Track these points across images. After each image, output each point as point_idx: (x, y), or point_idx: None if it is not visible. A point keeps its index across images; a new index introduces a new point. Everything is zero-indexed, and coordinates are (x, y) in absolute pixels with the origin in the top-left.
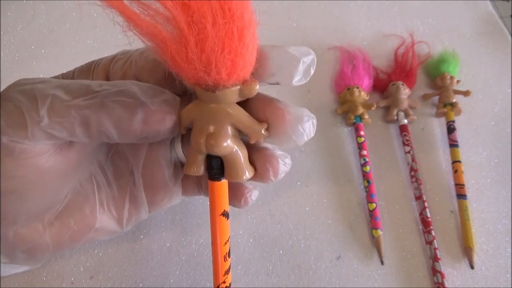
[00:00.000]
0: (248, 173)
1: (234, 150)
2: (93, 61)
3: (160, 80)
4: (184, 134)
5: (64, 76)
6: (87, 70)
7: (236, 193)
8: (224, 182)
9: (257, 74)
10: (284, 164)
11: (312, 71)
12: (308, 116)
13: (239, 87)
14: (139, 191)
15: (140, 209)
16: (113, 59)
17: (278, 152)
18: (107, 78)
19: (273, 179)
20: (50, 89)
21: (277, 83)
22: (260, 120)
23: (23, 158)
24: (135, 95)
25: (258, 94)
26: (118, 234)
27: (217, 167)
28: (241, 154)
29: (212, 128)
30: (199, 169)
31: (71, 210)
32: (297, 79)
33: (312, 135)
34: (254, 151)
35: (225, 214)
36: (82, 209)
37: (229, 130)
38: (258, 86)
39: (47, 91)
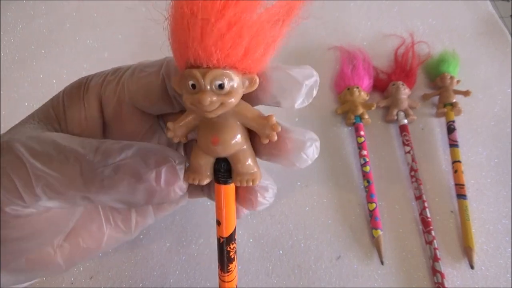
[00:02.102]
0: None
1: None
2: (81, 82)
3: (155, 102)
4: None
5: (53, 103)
6: (77, 95)
7: (247, 194)
8: (232, 185)
9: (257, 96)
10: (263, 198)
11: (315, 93)
12: (310, 141)
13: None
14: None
15: (146, 218)
16: (103, 81)
17: (261, 184)
18: (100, 104)
19: (251, 209)
20: (43, 163)
21: (278, 106)
22: (260, 150)
23: (30, 216)
24: (136, 170)
25: None
26: (128, 241)
27: (225, 169)
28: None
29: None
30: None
31: (78, 230)
32: (299, 102)
33: (316, 156)
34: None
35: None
36: (89, 228)
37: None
38: (258, 79)
39: (40, 167)
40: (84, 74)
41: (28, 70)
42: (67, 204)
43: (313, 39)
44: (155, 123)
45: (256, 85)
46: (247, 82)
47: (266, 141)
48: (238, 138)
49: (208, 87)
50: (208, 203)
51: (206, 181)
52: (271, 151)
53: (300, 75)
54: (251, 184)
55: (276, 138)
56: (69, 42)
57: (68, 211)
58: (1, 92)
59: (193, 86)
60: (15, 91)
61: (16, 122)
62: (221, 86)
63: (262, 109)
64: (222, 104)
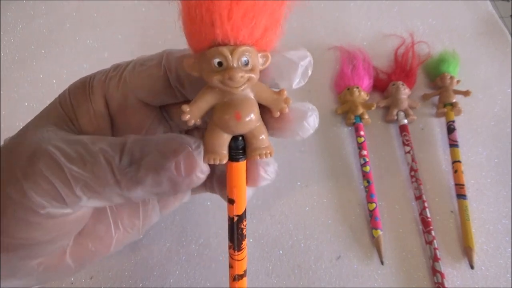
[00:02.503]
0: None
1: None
2: (84, 81)
3: (158, 93)
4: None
5: (61, 103)
6: (83, 94)
7: (251, 170)
8: (243, 162)
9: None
10: (265, 173)
11: (310, 73)
12: (311, 111)
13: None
14: (153, 203)
15: (152, 216)
16: (106, 78)
17: (263, 160)
18: (106, 101)
19: (254, 185)
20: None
21: (277, 87)
22: (267, 124)
23: (61, 217)
24: (157, 165)
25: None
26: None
27: (242, 146)
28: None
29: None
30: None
31: (87, 233)
32: (296, 82)
33: (317, 126)
34: None
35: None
36: (98, 232)
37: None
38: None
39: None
40: (84, 74)
41: (28, 70)
42: (106, 202)
43: (313, 39)
44: (158, 114)
45: (269, 62)
46: (262, 60)
47: (277, 115)
48: (257, 113)
49: (235, 64)
50: (208, 203)
51: (225, 160)
52: (274, 125)
53: (295, 56)
54: (269, 157)
55: (287, 110)
56: (69, 42)
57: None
58: (1, 92)
59: (219, 64)
60: (15, 91)
61: (16, 122)
62: (246, 63)
63: None
64: (248, 79)
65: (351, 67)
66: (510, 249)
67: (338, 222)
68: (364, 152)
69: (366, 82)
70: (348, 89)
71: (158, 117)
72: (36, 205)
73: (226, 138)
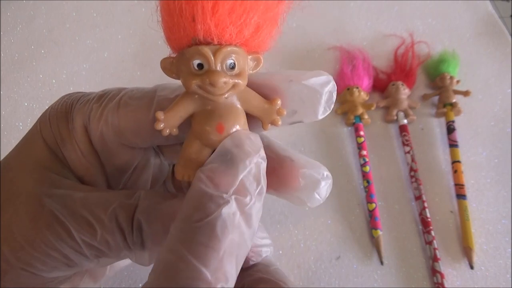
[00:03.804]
0: None
1: None
2: (67, 109)
3: (146, 139)
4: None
5: (44, 135)
6: (65, 128)
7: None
8: None
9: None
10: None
11: (334, 97)
12: (325, 179)
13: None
14: None
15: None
16: (87, 108)
17: (256, 243)
18: (87, 135)
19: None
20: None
21: (300, 121)
22: (269, 185)
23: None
24: (161, 239)
25: (268, 147)
26: None
27: None
28: None
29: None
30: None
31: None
32: (322, 112)
33: (328, 194)
34: None
35: None
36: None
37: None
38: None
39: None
40: (84, 74)
41: (28, 70)
42: (116, 260)
43: (313, 39)
44: (147, 151)
45: (261, 66)
46: (252, 63)
47: (268, 128)
48: (244, 124)
49: (219, 66)
50: None
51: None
52: (280, 186)
53: (317, 84)
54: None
55: (280, 123)
56: (69, 42)
57: None
58: (1, 92)
59: (199, 66)
60: (15, 91)
61: (16, 122)
62: (231, 66)
63: (275, 134)
64: (233, 86)
65: (351, 67)
66: (510, 249)
67: (338, 222)
68: (364, 152)
69: (366, 82)
70: (348, 89)
71: (147, 155)
72: (42, 271)
73: (206, 153)
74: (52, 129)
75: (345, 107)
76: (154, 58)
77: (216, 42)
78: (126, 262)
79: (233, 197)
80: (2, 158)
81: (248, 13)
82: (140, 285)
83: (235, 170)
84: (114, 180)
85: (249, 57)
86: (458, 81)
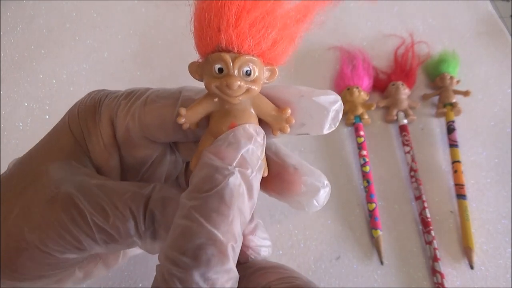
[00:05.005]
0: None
1: None
2: (95, 102)
3: (169, 135)
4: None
5: (71, 125)
6: (93, 120)
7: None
8: None
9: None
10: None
11: (340, 116)
12: (324, 187)
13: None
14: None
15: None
16: (115, 104)
17: (257, 243)
18: (113, 128)
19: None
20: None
21: (307, 133)
22: (269, 186)
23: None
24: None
25: (276, 153)
26: None
27: None
28: None
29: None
30: None
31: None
32: (327, 128)
33: (325, 203)
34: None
35: None
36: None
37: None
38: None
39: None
40: (84, 74)
41: (28, 70)
42: (125, 248)
43: (313, 39)
44: (166, 147)
45: (276, 77)
46: (267, 73)
47: (277, 134)
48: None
49: (236, 72)
50: None
51: None
52: (283, 190)
53: (326, 102)
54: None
55: (288, 130)
56: (69, 42)
57: None
58: (1, 92)
59: (220, 70)
60: (15, 91)
61: (16, 122)
62: (247, 73)
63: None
64: (247, 90)
65: (351, 67)
66: (510, 249)
67: (338, 222)
68: (364, 152)
69: (366, 82)
70: (348, 89)
71: (164, 151)
72: (55, 251)
73: None
74: (80, 121)
75: (345, 107)
76: (154, 58)
77: (236, 51)
78: (138, 250)
79: (236, 169)
80: (1, 158)
81: (266, 29)
82: (140, 285)
83: (237, 145)
84: (132, 173)
85: (265, 68)
86: (458, 81)
